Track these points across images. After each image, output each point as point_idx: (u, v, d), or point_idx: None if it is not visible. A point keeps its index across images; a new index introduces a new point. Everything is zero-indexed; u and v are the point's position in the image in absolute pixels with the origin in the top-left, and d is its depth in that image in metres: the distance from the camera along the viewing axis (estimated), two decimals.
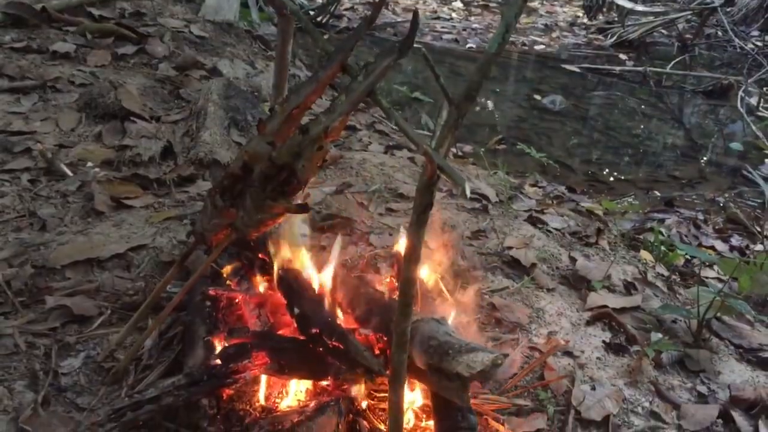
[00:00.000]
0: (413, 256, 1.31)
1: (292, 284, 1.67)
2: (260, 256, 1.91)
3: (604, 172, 4.50)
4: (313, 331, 1.55)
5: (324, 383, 1.63)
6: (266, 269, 1.86)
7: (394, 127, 4.01)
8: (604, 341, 2.04)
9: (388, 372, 1.46)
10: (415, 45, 1.38)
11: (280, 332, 1.73)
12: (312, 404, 1.56)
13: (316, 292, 1.68)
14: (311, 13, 7.04)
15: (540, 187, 3.69)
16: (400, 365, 1.38)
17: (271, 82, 2.33)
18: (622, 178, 4.45)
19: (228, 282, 1.88)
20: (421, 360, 1.43)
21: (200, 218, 1.67)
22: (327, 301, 1.64)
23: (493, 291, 2.20)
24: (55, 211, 2.41)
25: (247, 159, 1.58)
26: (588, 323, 2.13)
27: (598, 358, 1.98)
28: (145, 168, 2.73)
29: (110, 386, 1.68)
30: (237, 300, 1.83)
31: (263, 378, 1.61)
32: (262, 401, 1.61)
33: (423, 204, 1.25)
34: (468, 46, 7.51)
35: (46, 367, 1.71)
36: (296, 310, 1.61)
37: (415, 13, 1.40)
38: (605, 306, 2.18)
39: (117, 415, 1.45)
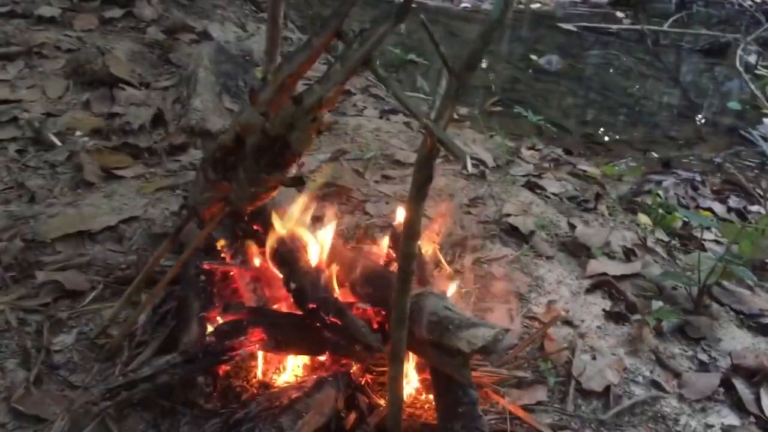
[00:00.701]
0: (412, 232, 1.27)
1: (287, 258, 1.63)
2: (255, 227, 1.87)
3: (601, 133, 4.45)
4: (310, 306, 1.52)
5: (322, 358, 1.60)
6: (261, 241, 1.82)
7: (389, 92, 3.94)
8: (604, 309, 2.02)
9: (387, 348, 1.44)
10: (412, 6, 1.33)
11: (276, 307, 1.70)
12: (310, 380, 1.53)
13: (313, 265, 1.64)
14: None
15: (537, 150, 3.64)
16: (399, 341, 1.35)
17: (263, 47, 2.27)
18: (619, 139, 4.40)
19: (223, 255, 1.84)
20: (420, 335, 1.40)
21: (192, 191, 1.62)
22: (324, 275, 1.61)
23: (492, 260, 2.16)
24: (44, 182, 2.36)
25: (240, 130, 1.53)
26: (588, 291, 2.10)
27: (598, 327, 1.95)
28: (135, 137, 2.67)
29: (104, 363, 1.65)
30: (232, 274, 1.79)
31: (260, 354, 1.58)
32: (260, 377, 1.59)
33: (422, 178, 1.21)
34: (462, 5, 7.38)
35: (38, 344, 1.68)
36: (292, 285, 1.58)
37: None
38: (605, 273, 2.16)
39: (111, 394, 1.43)
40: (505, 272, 2.10)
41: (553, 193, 2.84)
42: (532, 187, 2.84)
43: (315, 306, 1.51)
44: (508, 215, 2.44)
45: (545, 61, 5.72)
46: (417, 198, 1.23)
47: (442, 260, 1.94)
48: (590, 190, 2.93)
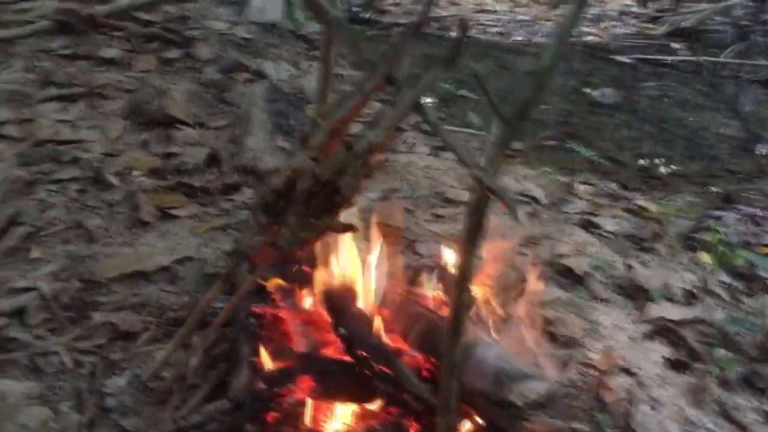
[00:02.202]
0: (465, 280, 1.25)
1: (336, 301, 1.62)
2: (305, 269, 1.87)
3: (658, 167, 4.35)
4: (359, 353, 1.51)
5: (372, 407, 1.58)
6: (311, 284, 1.82)
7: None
8: (664, 357, 1.95)
9: (437, 399, 1.41)
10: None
11: (325, 351, 1.69)
12: (359, 428, 1.51)
13: (362, 309, 1.63)
14: (355, 10, 7.00)
15: (590, 185, 3.57)
16: (449, 392, 1.32)
17: (315, 84, 2.29)
18: (676, 172, 4.29)
19: (273, 298, 1.84)
20: (472, 386, 1.37)
21: (243, 235, 1.63)
22: (373, 320, 1.59)
23: (545, 303, 2.12)
24: (102, 221, 2.41)
25: (291, 175, 1.54)
26: (646, 337, 2.04)
27: (658, 375, 1.89)
28: (190, 176, 2.71)
29: (156, 407, 1.66)
30: (282, 317, 1.79)
31: (309, 400, 1.57)
32: (309, 424, 1.57)
33: (473, 226, 1.19)
34: (514, 39, 7.38)
35: (91, 386, 1.70)
36: (341, 331, 1.57)
37: (463, 25, 1.34)
38: (664, 318, 2.09)
39: None
40: (560, 316, 2.05)
41: (609, 231, 2.78)
42: (586, 225, 2.78)
43: (364, 353, 1.49)
44: (562, 255, 2.40)
45: (599, 94, 5.66)
46: (469, 246, 1.21)
47: (495, 304, 1.91)
48: (647, 227, 2.85)
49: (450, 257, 1.96)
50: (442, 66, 1.34)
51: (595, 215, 2.93)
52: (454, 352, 1.27)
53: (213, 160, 2.84)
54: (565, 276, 2.29)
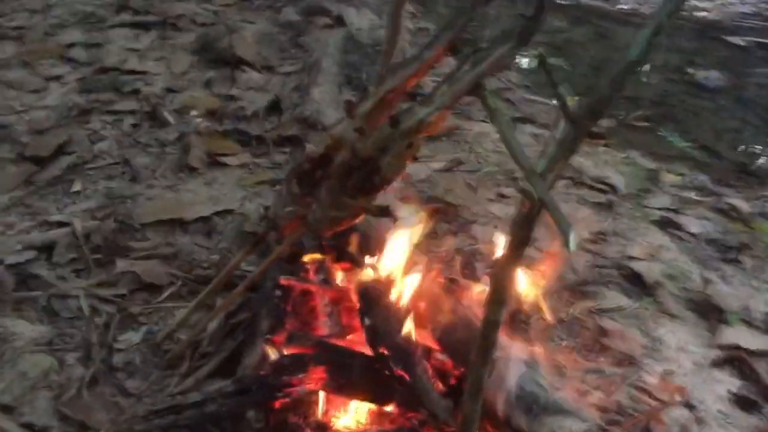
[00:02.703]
0: (500, 297, 1.07)
1: (367, 289, 1.46)
2: (346, 244, 1.72)
3: (758, 162, 3.98)
4: (381, 350, 1.35)
5: (388, 409, 1.43)
6: (349, 260, 1.67)
7: (525, 95, 3.69)
8: (731, 391, 1.72)
9: (456, 419, 1.25)
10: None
11: (347, 340, 1.54)
12: (372, 430, 1.37)
13: (394, 300, 1.47)
14: None
15: (679, 175, 3.27)
16: (471, 416, 1.15)
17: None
18: None
19: (305, 269, 1.70)
20: (498, 411, 1.21)
21: (275, 202, 1.49)
22: (404, 315, 1.43)
23: (604, 310, 1.91)
24: (149, 161, 2.32)
25: (331, 144, 1.38)
26: (714, 365, 1.80)
27: (720, 412, 1.66)
28: (248, 123, 2.58)
29: (164, 371, 1.56)
30: (311, 292, 1.65)
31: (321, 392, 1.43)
32: (319, 417, 1.44)
33: (518, 240, 1.00)
34: (620, 6, 6.91)
35: (103, 339, 1.62)
36: (366, 321, 1.42)
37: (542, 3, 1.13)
38: (738, 346, 1.85)
39: (157, 416, 1.32)
40: (618, 328, 1.84)
41: (690, 233, 2.51)
42: (665, 223, 2.52)
43: (385, 352, 1.34)
44: (632, 258, 2.16)
45: (703, 76, 5.23)
46: (510, 261, 1.03)
47: (545, 309, 1.72)
48: (735, 233, 2.57)
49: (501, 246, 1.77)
50: (514, 42, 1.14)
51: (677, 212, 2.66)
52: (481, 374, 1.10)
53: (274, 107, 2.70)
54: (633, 282, 2.06)
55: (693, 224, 2.58)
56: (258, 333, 1.53)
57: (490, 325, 1.08)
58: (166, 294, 1.78)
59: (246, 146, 2.48)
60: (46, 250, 1.89)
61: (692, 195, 2.88)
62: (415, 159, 1.31)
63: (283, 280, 1.63)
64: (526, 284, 1.72)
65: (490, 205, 2.36)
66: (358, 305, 1.51)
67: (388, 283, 1.48)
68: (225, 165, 2.35)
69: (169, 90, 2.75)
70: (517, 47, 1.17)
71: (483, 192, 2.43)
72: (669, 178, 3.12)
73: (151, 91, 2.69)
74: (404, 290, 1.49)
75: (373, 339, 1.38)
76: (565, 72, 4.51)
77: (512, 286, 1.65)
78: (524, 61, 4.61)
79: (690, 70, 5.33)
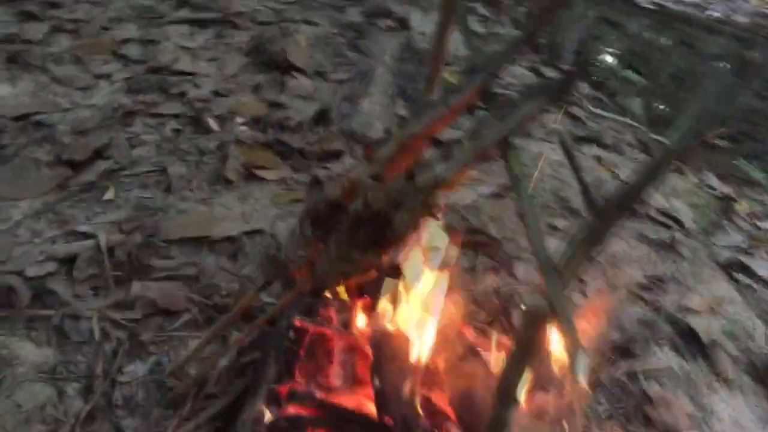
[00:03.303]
0: (508, 397, 0.93)
1: (380, 343, 1.35)
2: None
3: None
4: (386, 419, 1.23)
5: None
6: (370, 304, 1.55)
7: (595, 109, 3.48)
8: None
9: None
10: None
11: (359, 394, 1.42)
12: None
13: (406, 357, 1.34)
14: None
15: (758, 206, 3.01)
16: None
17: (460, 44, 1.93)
18: None
19: (326, 309, 1.59)
20: None
21: (287, 242, 1.38)
22: (414, 376, 1.31)
23: (651, 373, 1.73)
24: (186, 171, 2.25)
25: (348, 188, 1.26)
26: None
27: None
28: (291, 133, 2.48)
29: (165, 410, 1.48)
30: (327, 336, 1.54)
31: None
32: None
33: (524, 347, 0.87)
34: (710, 13, 6.53)
35: (108, 369, 1.54)
36: (375, 383, 1.30)
37: (580, 59, 0.98)
38: None
39: None
40: (665, 395, 1.67)
41: (761, 279, 2.30)
42: (733, 267, 2.31)
43: (391, 421, 1.22)
44: (689, 311, 1.97)
45: None
46: (517, 363, 0.89)
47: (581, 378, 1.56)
48: None
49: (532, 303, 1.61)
50: (548, 97, 1.00)
51: (749, 254, 2.45)
52: None
53: (321, 118, 2.60)
54: (687, 339, 1.88)
55: (765, 268, 2.36)
56: (264, 379, 1.43)
57: (497, 423, 0.94)
58: (180, 321, 1.70)
59: (286, 159, 2.39)
60: (68, 263, 1.83)
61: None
62: (431, 216, 1.18)
63: (298, 321, 1.53)
64: (561, 342, 1.57)
65: None
66: (371, 358, 1.39)
67: (404, 337, 1.36)
68: (261, 179, 2.26)
69: (217, 93, 2.68)
70: (550, 103, 1.03)
71: None
72: (745, 209, 2.89)
73: (197, 94, 2.63)
74: (423, 346, 1.37)
75: (380, 405, 1.26)
76: (639, 86, 4.27)
77: (517, 389, 1.51)
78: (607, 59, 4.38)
79: None
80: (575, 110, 3.41)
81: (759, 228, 2.75)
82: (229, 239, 1.98)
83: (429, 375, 1.35)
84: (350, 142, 2.50)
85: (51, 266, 1.81)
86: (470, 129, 1.08)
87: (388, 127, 2.56)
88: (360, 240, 1.18)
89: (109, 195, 2.10)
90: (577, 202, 2.42)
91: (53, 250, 1.87)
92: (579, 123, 3.30)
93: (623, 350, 1.77)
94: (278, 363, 1.46)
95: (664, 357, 1.79)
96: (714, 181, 3.06)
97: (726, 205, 2.86)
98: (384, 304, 1.47)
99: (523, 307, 0.86)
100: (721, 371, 1.79)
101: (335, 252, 1.20)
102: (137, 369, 1.56)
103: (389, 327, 1.38)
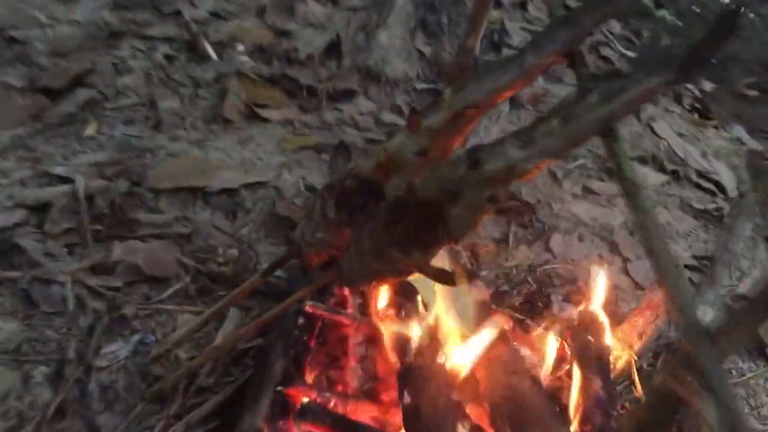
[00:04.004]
0: None
1: (410, 366, 1.11)
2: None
3: None
4: None
5: None
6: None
7: (626, 51, 3.17)
8: None
9: None
10: None
11: (381, 401, 1.20)
12: None
13: (445, 372, 1.12)
14: None
15: None
16: None
17: None
18: None
19: (341, 295, 1.35)
20: None
21: (303, 223, 1.13)
22: (454, 394, 1.09)
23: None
24: (179, 106, 1.97)
25: (384, 161, 1.01)
26: None
27: None
28: (300, 68, 2.19)
29: (150, 404, 1.26)
30: (342, 325, 1.31)
31: None
32: None
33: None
34: None
35: (82, 351, 1.31)
36: (406, 398, 1.07)
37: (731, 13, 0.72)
38: None
39: None
40: None
41: None
42: None
43: None
44: (743, 298, 1.76)
45: None
46: None
47: (637, 380, 1.34)
48: None
49: (595, 289, 1.38)
50: (672, 73, 0.74)
51: None
52: None
53: (333, 50, 2.29)
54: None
55: None
56: (269, 377, 1.20)
57: None
58: (169, 291, 1.46)
59: (293, 98, 2.10)
60: (39, 212, 1.58)
61: None
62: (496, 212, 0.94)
63: (310, 307, 1.29)
64: (616, 344, 1.35)
65: (575, 204, 1.96)
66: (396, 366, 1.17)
67: (438, 346, 1.13)
68: (265, 120, 1.99)
69: (216, 15, 2.36)
70: (675, 82, 0.76)
71: (568, 185, 2.02)
72: None
73: (194, 15, 2.31)
74: (462, 356, 1.14)
75: (410, 425, 1.05)
76: (673, 28, 3.92)
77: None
78: None
79: None
80: (606, 51, 3.10)
81: None
82: (227, 192, 1.72)
83: (468, 390, 1.13)
84: (365, 80, 2.21)
85: (19, 215, 1.56)
86: (561, 105, 0.82)
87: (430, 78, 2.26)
88: (401, 235, 0.93)
89: (90, 131, 1.84)
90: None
91: (23, 194, 1.61)
92: (610, 65, 3.01)
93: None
94: (285, 356, 1.23)
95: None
96: (743, 135, 2.81)
97: None
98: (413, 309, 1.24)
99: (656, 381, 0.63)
100: None
101: (369, 247, 0.96)
102: (118, 350, 1.33)
103: (420, 334, 1.15)
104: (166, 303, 1.44)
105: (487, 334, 1.17)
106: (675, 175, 2.24)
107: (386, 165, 1.01)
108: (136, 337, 1.36)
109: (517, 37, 2.63)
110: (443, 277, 0.93)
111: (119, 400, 1.25)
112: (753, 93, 3.56)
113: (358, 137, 1.99)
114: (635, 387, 1.32)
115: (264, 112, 2.00)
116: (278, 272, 1.44)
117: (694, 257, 1.86)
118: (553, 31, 0.89)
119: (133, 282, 1.47)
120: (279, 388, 1.15)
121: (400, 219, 0.92)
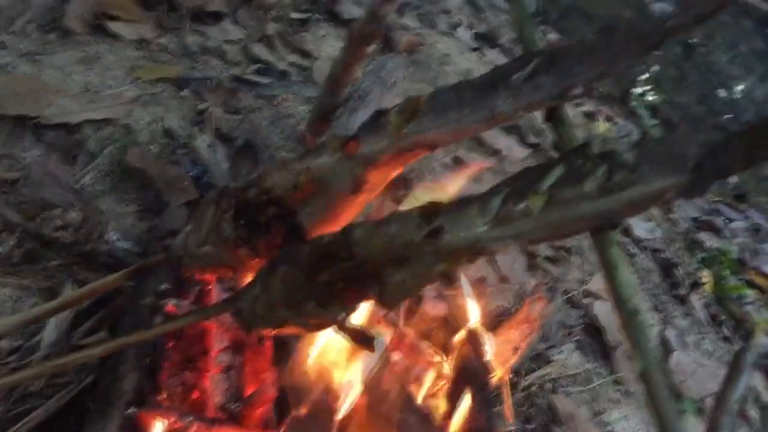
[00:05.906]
0: None
1: (293, 389, 0.98)
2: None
3: None
4: None
5: None
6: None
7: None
8: None
9: None
10: None
11: (251, 421, 1.07)
12: None
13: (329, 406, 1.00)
14: None
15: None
16: None
17: None
18: None
19: (206, 286, 1.17)
20: None
21: (187, 229, 0.93)
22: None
23: (558, 380, 1.53)
24: (11, 11, 1.60)
25: (305, 183, 0.85)
26: None
27: None
28: None
29: None
30: (206, 330, 1.14)
31: None
32: None
33: None
34: None
35: None
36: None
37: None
38: None
39: None
40: (569, 409, 1.48)
41: (642, 240, 2.14)
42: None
43: None
44: (590, 296, 1.78)
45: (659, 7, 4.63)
46: None
47: (507, 395, 1.30)
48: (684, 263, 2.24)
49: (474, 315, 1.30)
50: (686, 178, 0.64)
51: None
52: None
53: None
54: (592, 336, 1.69)
55: (641, 228, 2.23)
56: (116, 394, 1.01)
57: None
58: None
59: (152, 9, 1.79)
60: None
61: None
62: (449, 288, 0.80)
63: (172, 306, 1.10)
64: (494, 355, 1.30)
65: (441, 174, 1.87)
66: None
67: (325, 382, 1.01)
68: (115, 36, 1.67)
69: None
70: (688, 191, 0.67)
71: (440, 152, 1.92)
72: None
73: None
74: (347, 391, 1.02)
75: None
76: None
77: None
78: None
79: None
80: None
81: None
82: (66, 127, 1.43)
83: (352, 427, 1.02)
84: (234, 0, 1.94)
85: None
86: (545, 179, 0.71)
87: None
88: (324, 288, 0.78)
89: None
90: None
91: None
92: (481, 19, 2.91)
93: (544, 354, 1.54)
94: (138, 367, 1.05)
95: (569, 358, 1.60)
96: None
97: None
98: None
99: None
100: (622, 377, 1.64)
101: (281, 292, 0.79)
102: None
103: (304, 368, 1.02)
104: None
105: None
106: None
107: (306, 187, 0.84)
108: None
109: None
110: (362, 342, 0.80)
111: None
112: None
113: (225, 71, 1.74)
114: (504, 400, 1.29)
115: (114, 26, 1.68)
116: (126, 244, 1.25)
117: (551, 246, 1.85)
118: (538, 76, 0.76)
119: None
120: (130, 410, 0.98)
121: (325, 270, 0.77)
